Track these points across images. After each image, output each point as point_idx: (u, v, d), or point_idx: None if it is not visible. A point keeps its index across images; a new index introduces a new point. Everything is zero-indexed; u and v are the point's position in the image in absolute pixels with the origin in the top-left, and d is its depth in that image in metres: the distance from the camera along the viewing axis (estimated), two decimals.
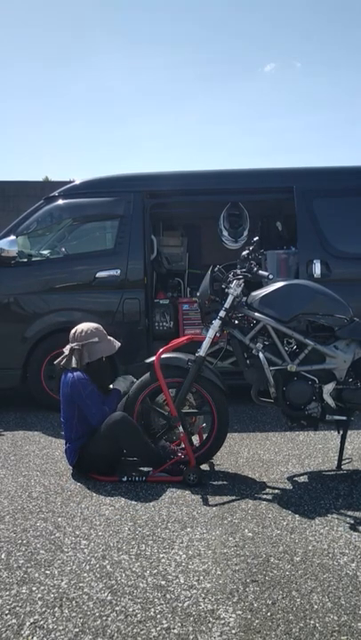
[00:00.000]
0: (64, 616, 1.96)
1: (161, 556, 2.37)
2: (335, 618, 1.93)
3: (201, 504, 2.89)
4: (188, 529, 2.60)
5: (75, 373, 3.25)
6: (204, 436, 3.42)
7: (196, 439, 3.56)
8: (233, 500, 2.93)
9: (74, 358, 3.31)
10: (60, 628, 1.90)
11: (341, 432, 3.30)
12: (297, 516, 2.73)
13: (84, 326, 3.43)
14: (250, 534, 2.54)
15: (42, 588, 2.14)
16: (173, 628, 1.88)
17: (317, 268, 4.78)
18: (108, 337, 3.46)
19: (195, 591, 2.10)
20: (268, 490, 3.07)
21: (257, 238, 3.57)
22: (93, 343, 3.35)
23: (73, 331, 3.42)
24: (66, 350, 3.38)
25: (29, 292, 4.87)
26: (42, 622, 1.93)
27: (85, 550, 2.42)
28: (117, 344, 3.46)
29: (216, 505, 2.87)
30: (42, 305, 4.87)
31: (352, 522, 2.66)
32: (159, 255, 5.80)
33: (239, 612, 1.96)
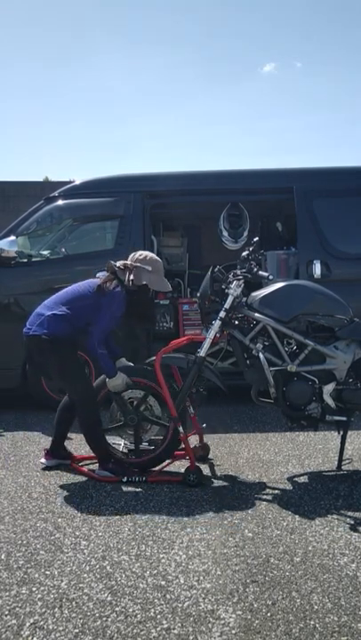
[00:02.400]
0: (64, 617, 1.96)
1: (161, 556, 2.37)
2: (335, 618, 1.92)
3: (201, 504, 2.89)
4: (188, 529, 2.60)
5: (123, 293, 3.21)
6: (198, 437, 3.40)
7: (196, 439, 3.56)
8: (233, 501, 2.93)
9: (125, 274, 3.28)
10: (60, 628, 1.90)
11: (341, 432, 3.29)
12: (297, 516, 2.73)
13: (147, 252, 3.42)
14: (250, 535, 2.54)
15: (42, 588, 2.14)
16: (173, 629, 1.88)
17: (317, 269, 4.78)
18: (164, 278, 3.40)
19: (195, 591, 2.10)
20: (268, 490, 3.07)
21: (257, 239, 3.57)
22: (144, 270, 3.27)
23: (133, 253, 3.40)
24: (120, 265, 3.33)
25: (29, 292, 4.87)
26: (42, 623, 1.93)
27: (85, 551, 2.42)
28: (168, 287, 3.44)
29: (216, 505, 2.87)
30: None
31: (352, 522, 2.66)
32: (159, 255, 5.79)
33: (239, 613, 1.96)
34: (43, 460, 3.43)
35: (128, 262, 3.32)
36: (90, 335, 3.17)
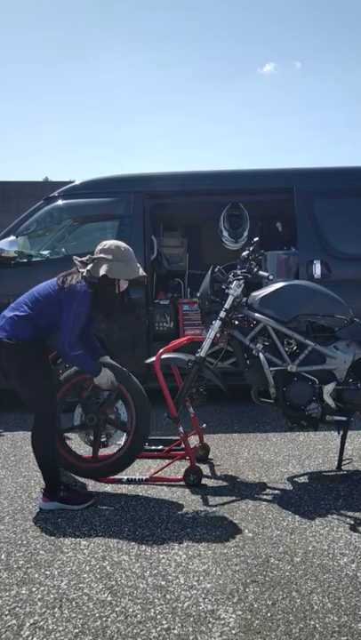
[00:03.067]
0: (64, 617, 1.96)
1: (161, 556, 2.37)
2: (335, 618, 1.92)
3: (201, 504, 2.89)
4: (188, 529, 2.60)
5: (84, 286, 2.92)
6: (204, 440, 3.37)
7: (196, 439, 3.56)
8: (233, 501, 2.93)
9: (87, 267, 3.02)
10: (60, 628, 1.90)
11: (341, 433, 3.29)
12: (297, 516, 2.73)
13: (112, 241, 3.12)
14: (250, 535, 2.54)
15: (42, 588, 2.14)
16: (173, 629, 1.88)
17: (317, 269, 4.78)
18: (132, 264, 3.04)
19: (195, 591, 2.10)
20: (268, 490, 3.07)
21: (257, 239, 3.57)
22: (104, 259, 2.98)
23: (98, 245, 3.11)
24: (84, 259, 3.09)
25: None
26: (42, 623, 1.93)
27: (85, 551, 2.42)
28: (134, 274, 3.05)
29: (216, 505, 2.87)
30: None
31: (352, 522, 2.66)
32: (159, 256, 5.80)
33: (239, 613, 1.96)
34: None
35: (91, 255, 3.07)
36: (57, 338, 2.89)
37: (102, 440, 3.22)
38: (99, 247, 3.07)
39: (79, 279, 2.94)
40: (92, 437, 3.20)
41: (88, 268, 3.01)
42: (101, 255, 3.01)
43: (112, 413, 3.19)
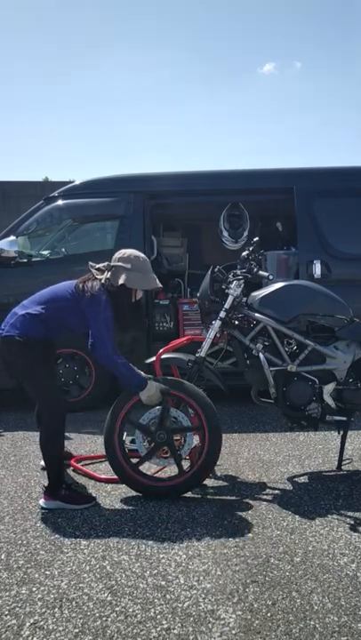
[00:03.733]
0: (64, 617, 1.96)
1: (161, 556, 2.37)
2: (335, 619, 1.92)
3: (201, 504, 2.89)
4: (188, 529, 2.60)
5: (104, 293, 2.92)
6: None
7: (196, 439, 3.56)
8: (233, 501, 2.93)
9: (104, 275, 3.01)
10: (60, 628, 1.90)
11: (341, 433, 3.29)
12: (297, 516, 2.73)
13: (130, 250, 3.09)
14: (250, 535, 2.54)
15: (42, 588, 2.14)
16: (173, 629, 1.88)
17: (317, 269, 4.79)
18: (150, 275, 3.04)
19: (195, 591, 2.10)
20: (268, 490, 3.07)
21: (257, 239, 3.57)
22: (123, 268, 2.97)
23: (117, 252, 3.10)
24: (101, 266, 3.09)
25: (29, 292, 4.86)
26: (42, 623, 1.93)
27: (85, 551, 2.42)
28: (152, 285, 3.06)
29: (216, 505, 2.87)
30: None
31: (352, 522, 2.66)
32: (159, 256, 5.80)
33: (239, 613, 1.96)
34: (42, 463, 3.42)
35: (108, 263, 3.07)
36: (98, 350, 2.87)
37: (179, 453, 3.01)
38: (117, 255, 3.06)
39: (97, 285, 2.95)
40: (165, 456, 3.01)
41: (107, 275, 3.01)
42: (120, 264, 3.01)
43: (172, 423, 3.01)
